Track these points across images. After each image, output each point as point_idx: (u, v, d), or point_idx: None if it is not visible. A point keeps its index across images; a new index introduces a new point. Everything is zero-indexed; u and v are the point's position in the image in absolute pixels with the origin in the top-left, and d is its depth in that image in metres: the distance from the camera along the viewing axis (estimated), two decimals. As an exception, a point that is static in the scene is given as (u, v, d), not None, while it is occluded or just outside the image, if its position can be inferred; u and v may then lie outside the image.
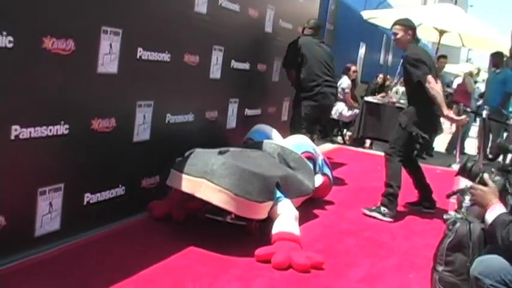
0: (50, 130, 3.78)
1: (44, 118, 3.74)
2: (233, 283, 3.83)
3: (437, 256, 4.05)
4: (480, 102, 14.73)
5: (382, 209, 6.05)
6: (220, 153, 4.63)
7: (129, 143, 4.71)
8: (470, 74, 17.10)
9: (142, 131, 4.81)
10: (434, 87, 5.88)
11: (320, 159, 6.05)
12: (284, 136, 6.34)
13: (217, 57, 5.85)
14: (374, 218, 5.99)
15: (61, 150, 3.94)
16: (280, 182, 4.75)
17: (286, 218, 4.56)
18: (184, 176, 4.46)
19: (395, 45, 6.35)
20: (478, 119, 15.62)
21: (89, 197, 4.31)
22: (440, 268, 3.97)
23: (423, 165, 9.99)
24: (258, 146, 5.53)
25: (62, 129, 3.88)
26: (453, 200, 7.17)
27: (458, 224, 4.00)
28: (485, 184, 3.43)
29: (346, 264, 4.54)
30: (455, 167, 10.36)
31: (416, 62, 5.95)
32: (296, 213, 4.67)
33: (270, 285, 3.90)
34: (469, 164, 3.67)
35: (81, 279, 3.54)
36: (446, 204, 6.94)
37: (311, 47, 7.21)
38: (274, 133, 6.21)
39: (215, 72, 5.88)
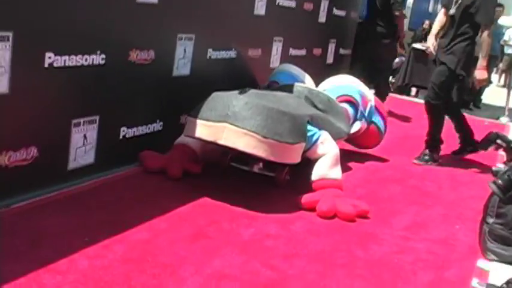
0: (86, 59, 3.61)
1: (80, 46, 3.57)
2: (271, 225, 3.68)
3: (488, 207, 3.84)
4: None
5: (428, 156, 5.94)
6: (241, 92, 4.19)
7: (168, 77, 4.52)
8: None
9: (182, 66, 4.61)
10: (489, 38, 5.62)
11: (369, 105, 5.59)
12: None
13: (262, -8, 5.60)
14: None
15: (97, 81, 3.78)
16: (311, 121, 4.36)
17: (327, 160, 4.27)
18: (203, 122, 4.00)
19: None
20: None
21: (125, 131, 4.16)
22: (491, 220, 3.76)
23: (470, 117, 9.81)
24: (283, 89, 5.05)
25: (98, 59, 3.70)
26: (502, 152, 6.98)
27: (501, 173, 3.79)
28: None
29: (390, 211, 4.35)
30: (504, 120, 10.12)
31: (492, 4, 5.67)
32: (337, 152, 4.36)
33: (309, 229, 3.74)
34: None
35: (115, 214, 3.42)
36: (495, 157, 6.73)
37: None
38: (304, 75, 5.68)
39: (260, 9, 5.61)
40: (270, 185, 4.38)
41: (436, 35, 6.14)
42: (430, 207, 4.63)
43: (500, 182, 3.49)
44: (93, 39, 3.67)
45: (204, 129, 4.02)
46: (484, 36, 5.59)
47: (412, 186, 5.13)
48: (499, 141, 3.98)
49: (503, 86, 17.55)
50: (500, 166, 6.19)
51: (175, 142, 4.39)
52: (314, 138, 4.27)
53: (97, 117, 3.84)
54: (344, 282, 3.11)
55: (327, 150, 4.30)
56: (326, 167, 4.26)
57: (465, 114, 9.90)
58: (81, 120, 3.72)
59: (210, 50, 4.95)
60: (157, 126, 4.49)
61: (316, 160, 4.29)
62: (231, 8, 5.11)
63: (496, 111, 11.01)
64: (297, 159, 4.14)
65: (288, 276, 3.07)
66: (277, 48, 6.24)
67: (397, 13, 7.65)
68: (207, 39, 4.89)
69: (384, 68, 8.21)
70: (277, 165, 4.28)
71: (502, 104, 11.52)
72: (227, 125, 3.91)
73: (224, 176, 4.41)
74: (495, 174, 5.95)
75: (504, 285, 3.17)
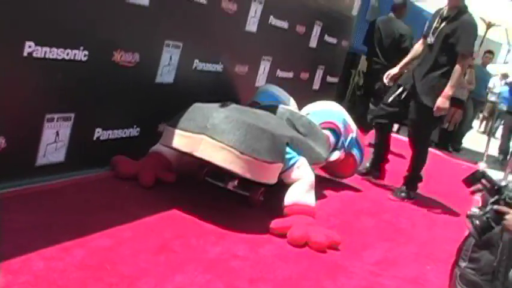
0: (67, 54, 3.48)
1: (63, 39, 3.44)
2: (240, 245, 3.55)
3: (461, 250, 3.74)
4: None
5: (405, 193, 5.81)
6: (223, 106, 4.10)
7: (151, 83, 4.38)
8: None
9: (166, 73, 4.49)
10: (461, 69, 5.37)
11: (351, 136, 5.49)
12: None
13: (256, 9, 5.49)
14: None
15: (77, 78, 3.65)
16: (290, 143, 4.26)
17: (302, 186, 4.15)
18: (181, 132, 3.88)
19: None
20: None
21: (99, 133, 4.02)
22: (463, 264, 3.65)
23: (448, 159, 9.77)
24: (265, 109, 4.88)
25: (80, 54, 3.57)
26: (477, 197, 6.91)
27: (478, 214, 3.69)
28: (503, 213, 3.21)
29: (361, 244, 4.24)
30: (482, 165, 10.08)
31: (472, 34, 5.48)
32: (313, 179, 4.24)
33: (278, 254, 3.61)
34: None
35: (79, 216, 3.27)
36: (470, 201, 6.68)
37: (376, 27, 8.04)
38: (288, 98, 5.50)
39: (252, 25, 5.51)
40: (243, 204, 4.25)
41: (406, 64, 5.93)
42: (403, 245, 4.54)
43: (477, 222, 3.39)
44: (77, 34, 3.55)
45: (181, 140, 3.89)
46: (457, 66, 5.33)
47: (386, 221, 5.03)
48: (483, 181, 3.87)
49: (483, 133, 17.67)
50: (475, 210, 6.12)
51: (151, 150, 4.25)
52: (291, 161, 4.15)
53: (72, 115, 3.70)
54: (309, 313, 3.00)
55: (303, 175, 4.19)
56: (300, 192, 4.14)
57: (443, 156, 10.04)
58: (55, 116, 3.58)
59: (196, 60, 4.84)
60: (133, 131, 4.36)
61: (290, 184, 4.17)
62: (222, 21, 5.00)
63: (474, 156, 11.01)
64: (273, 179, 4.02)
65: (252, 301, 2.95)
66: (264, 67, 6.14)
67: None
68: (195, 50, 4.78)
69: None
70: (252, 184, 4.16)
71: (481, 149, 11.57)
72: (205, 137, 3.80)
73: (197, 190, 4.28)
74: (470, 217, 5.91)
75: None
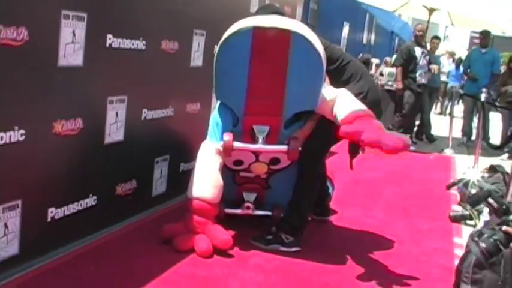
0: (1, 138, 3.11)
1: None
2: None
3: (461, 272, 3.48)
4: (462, 82, 14.45)
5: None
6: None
7: (100, 145, 4.03)
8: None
9: (114, 131, 4.13)
10: None
11: None
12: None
13: (198, 42, 5.18)
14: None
15: (16, 161, 3.26)
16: None
17: (344, 98, 4.05)
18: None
19: None
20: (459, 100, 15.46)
21: (53, 212, 3.63)
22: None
23: (415, 153, 9.55)
24: None
25: (16, 135, 3.21)
26: (454, 191, 6.73)
27: (485, 236, 3.43)
28: None
29: (353, 272, 3.97)
30: (448, 152, 10.02)
31: None
32: (345, 90, 4.19)
33: (264, 281, 3.31)
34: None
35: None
36: (447, 197, 6.54)
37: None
38: None
39: (196, 60, 5.19)
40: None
41: None
42: (395, 267, 4.23)
43: (484, 245, 3.16)
44: (8, 114, 3.17)
45: None
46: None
47: (371, 242, 4.73)
48: (490, 200, 3.69)
49: (440, 113, 17.66)
50: (456, 209, 5.90)
51: (191, 196, 4.04)
52: None
53: (19, 202, 3.32)
54: None
55: (334, 92, 4.11)
56: (347, 102, 4.03)
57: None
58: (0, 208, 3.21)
59: (145, 110, 4.49)
60: (90, 201, 3.98)
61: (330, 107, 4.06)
62: (165, 63, 4.67)
63: (439, 144, 10.88)
64: None
65: None
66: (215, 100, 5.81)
67: None
68: (141, 99, 4.43)
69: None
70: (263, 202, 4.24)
71: (440, 132, 11.75)
72: None
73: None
74: (453, 219, 5.67)
75: None
